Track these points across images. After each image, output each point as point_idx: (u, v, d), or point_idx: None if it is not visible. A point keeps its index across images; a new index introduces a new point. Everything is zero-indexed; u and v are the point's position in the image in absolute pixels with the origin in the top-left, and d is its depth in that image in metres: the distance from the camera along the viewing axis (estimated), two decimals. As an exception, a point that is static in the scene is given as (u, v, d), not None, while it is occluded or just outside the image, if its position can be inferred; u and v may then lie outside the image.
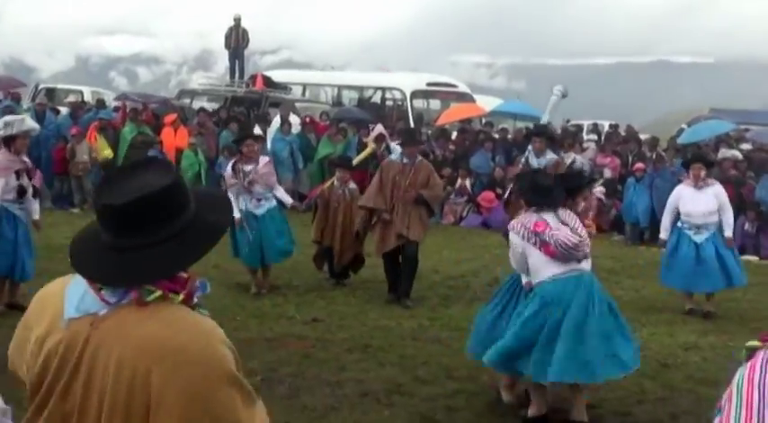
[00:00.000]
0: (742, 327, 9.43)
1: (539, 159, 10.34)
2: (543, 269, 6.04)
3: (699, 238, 9.85)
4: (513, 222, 6.34)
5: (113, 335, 2.08)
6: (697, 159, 10.44)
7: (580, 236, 5.99)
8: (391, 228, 9.87)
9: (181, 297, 2.15)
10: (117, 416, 2.05)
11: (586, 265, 6.14)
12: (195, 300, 2.20)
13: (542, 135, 10.97)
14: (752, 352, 2.04)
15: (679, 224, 10.02)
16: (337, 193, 10.69)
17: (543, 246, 5.99)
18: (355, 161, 15.88)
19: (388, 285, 10.17)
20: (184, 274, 2.19)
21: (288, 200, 10.53)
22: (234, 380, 2.10)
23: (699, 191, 9.82)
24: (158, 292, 2.11)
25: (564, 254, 5.95)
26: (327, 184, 11.08)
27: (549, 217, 6.12)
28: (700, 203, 9.81)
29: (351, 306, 9.75)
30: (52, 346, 2.13)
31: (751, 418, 1.89)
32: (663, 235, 10.28)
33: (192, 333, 2.10)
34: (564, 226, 6.06)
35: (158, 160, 2.40)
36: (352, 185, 10.87)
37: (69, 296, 2.18)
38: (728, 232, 9.86)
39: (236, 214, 9.85)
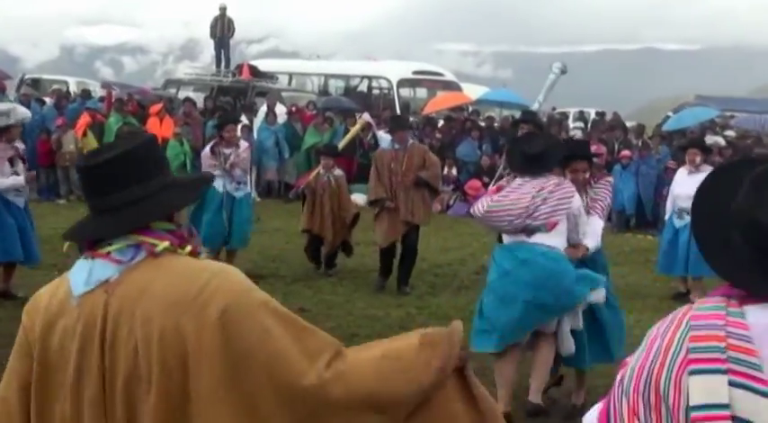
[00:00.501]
0: (727, 313, 9.49)
1: None
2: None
3: (679, 223, 9.98)
4: None
5: (132, 294, 2.07)
6: (693, 144, 10.57)
7: (489, 206, 5.83)
8: (396, 216, 9.86)
9: (188, 249, 2.19)
10: (153, 374, 2.01)
11: (540, 238, 5.81)
12: (201, 254, 2.25)
13: (530, 122, 11.00)
14: None
15: (674, 208, 10.19)
16: (323, 181, 10.70)
17: None
18: (342, 144, 15.92)
19: (380, 270, 10.17)
20: (184, 231, 2.23)
21: (250, 190, 10.50)
22: (268, 306, 2.08)
23: (690, 175, 9.93)
24: (166, 243, 2.13)
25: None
26: (314, 173, 11.07)
27: (520, 180, 5.92)
28: (687, 187, 9.92)
29: (338, 295, 9.76)
30: (68, 327, 2.10)
31: (647, 360, 1.91)
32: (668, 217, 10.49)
33: (210, 273, 2.09)
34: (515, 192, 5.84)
35: (135, 132, 2.47)
36: (338, 172, 10.87)
37: (74, 278, 2.17)
38: None
39: None
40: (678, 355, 1.88)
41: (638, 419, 1.92)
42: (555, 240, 5.84)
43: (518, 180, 5.95)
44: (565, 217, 5.82)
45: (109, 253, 2.14)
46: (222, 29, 24.69)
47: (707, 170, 9.94)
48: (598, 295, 5.90)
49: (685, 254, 9.92)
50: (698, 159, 9.95)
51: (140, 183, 2.17)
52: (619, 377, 2.00)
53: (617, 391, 1.99)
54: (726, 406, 1.79)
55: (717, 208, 2.00)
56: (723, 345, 1.84)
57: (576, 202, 5.89)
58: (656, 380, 1.88)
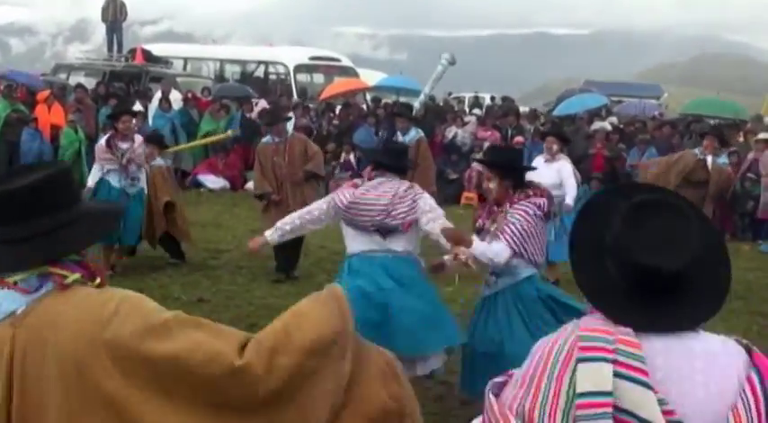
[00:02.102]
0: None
1: (404, 137, 10.68)
2: (352, 243, 5.95)
3: None
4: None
5: (42, 326, 2.05)
6: (551, 133, 10.90)
7: (353, 198, 5.79)
8: (284, 207, 9.91)
9: (98, 281, 2.20)
10: (74, 404, 2.01)
11: (396, 246, 5.80)
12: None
13: (404, 115, 11.41)
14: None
15: None
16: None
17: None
18: (183, 146, 15.80)
19: (276, 264, 10.23)
20: (90, 262, 2.23)
21: (143, 185, 10.09)
22: (179, 318, 2.15)
23: (547, 164, 10.22)
24: (77, 275, 2.13)
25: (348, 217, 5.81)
26: None
27: (378, 180, 5.92)
28: (545, 177, 10.24)
29: (237, 285, 9.77)
30: None
31: (530, 367, 2.05)
32: None
33: (117, 300, 2.10)
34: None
35: (46, 161, 2.46)
36: (159, 161, 10.49)
37: None
38: (569, 200, 10.04)
39: (90, 183, 9.79)
40: (563, 352, 1.97)
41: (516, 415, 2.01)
42: (408, 244, 5.85)
43: (376, 180, 5.93)
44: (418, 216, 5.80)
45: (15, 283, 2.11)
46: (114, 12, 24.09)
47: (559, 160, 10.27)
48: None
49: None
50: (555, 148, 10.14)
51: (51, 213, 2.15)
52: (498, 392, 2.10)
53: (496, 403, 2.07)
54: (609, 393, 1.87)
55: (593, 234, 2.09)
56: (612, 337, 1.93)
57: (427, 198, 5.87)
58: (540, 377, 1.99)
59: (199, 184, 17.31)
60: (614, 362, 1.89)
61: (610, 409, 1.87)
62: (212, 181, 17.28)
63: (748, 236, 13.95)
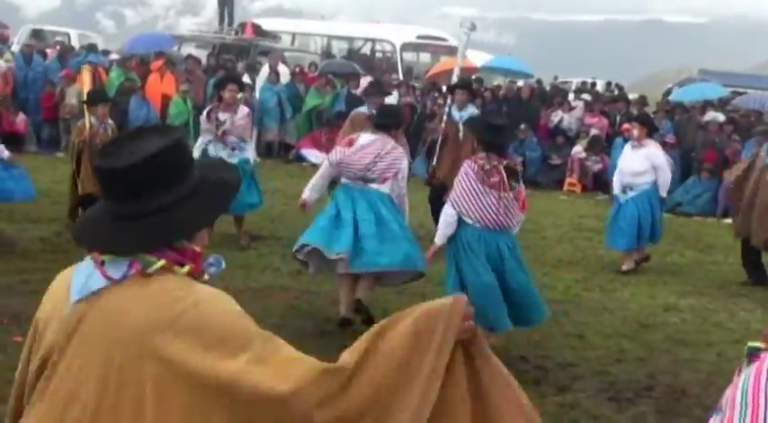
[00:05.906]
0: (721, 290, 9.56)
1: (461, 112, 10.27)
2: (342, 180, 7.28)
3: (622, 198, 9.99)
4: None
5: (105, 312, 1.96)
6: (635, 119, 10.61)
7: (341, 158, 7.10)
8: None
9: (186, 269, 2.03)
10: (109, 395, 1.92)
11: (375, 186, 7.05)
12: (206, 277, 2.09)
13: (466, 88, 10.80)
14: (755, 353, 2.09)
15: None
16: (99, 132, 9.75)
17: None
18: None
19: None
20: (196, 248, 2.08)
21: (248, 156, 10.11)
22: (239, 336, 1.95)
23: (634, 151, 9.93)
24: (161, 262, 1.98)
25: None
26: (86, 124, 9.83)
27: (369, 137, 7.20)
28: (631, 163, 9.94)
29: (337, 257, 9.76)
30: (57, 330, 2.01)
31: (757, 421, 1.92)
32: (616, 191, 10.40)
33: (193, 300, 1.95)
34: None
35: (159, 126, 2.34)
36: (111, 121, 10.12)
37: (75, 281, 2.04)
38: (662, 192, 10.00)
39: (195, 154, 9.76)
40: None
41: None
42: (386, 189, 7.13)
43: (368, 136, 7.21)
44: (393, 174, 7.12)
45: (103, 263, 2.01)
46: (226, -14, 24.50)
47: (648, 146, 9.92)
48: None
49: (630, 228, 9.87)
50: (636, 133, 10.00)
51: (163, 190, 2.03)
52: None
53: None
54: None
55: None
56: None
57: (405, 164, 7.31)
58: None
59: (302, 158, 17.45)
60: None
61: None
62: (315, 155, 17.36)
63: None
